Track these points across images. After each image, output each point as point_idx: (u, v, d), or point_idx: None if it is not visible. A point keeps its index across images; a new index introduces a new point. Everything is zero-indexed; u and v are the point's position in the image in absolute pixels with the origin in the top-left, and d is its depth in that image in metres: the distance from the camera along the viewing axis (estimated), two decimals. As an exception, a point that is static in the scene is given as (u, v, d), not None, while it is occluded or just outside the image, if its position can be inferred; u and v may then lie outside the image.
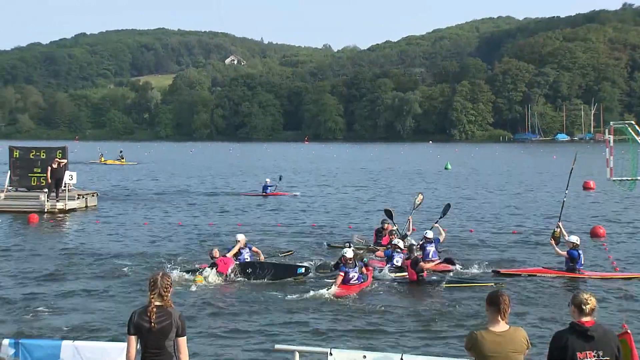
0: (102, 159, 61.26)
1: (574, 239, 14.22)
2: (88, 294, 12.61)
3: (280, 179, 33.65)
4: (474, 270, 14.64)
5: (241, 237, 14.73)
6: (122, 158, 60.91)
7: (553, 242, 14.97)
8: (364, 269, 13.25)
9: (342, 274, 12.84)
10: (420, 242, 15.51)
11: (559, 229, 15.21)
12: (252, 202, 29.26)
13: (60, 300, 12.18)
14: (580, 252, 14.01)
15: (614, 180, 18.43)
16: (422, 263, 13.62)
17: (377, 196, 31.86)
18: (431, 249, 15.28)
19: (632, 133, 17.76)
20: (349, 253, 13.07)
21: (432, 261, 14.70)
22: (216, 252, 14.16)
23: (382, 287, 13.24)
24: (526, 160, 65.26)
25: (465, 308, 11.71)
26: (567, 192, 16.95)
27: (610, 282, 13.54)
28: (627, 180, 18.21)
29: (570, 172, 17.21)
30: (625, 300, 12.18)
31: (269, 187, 31.97)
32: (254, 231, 20.16)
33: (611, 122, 19.26)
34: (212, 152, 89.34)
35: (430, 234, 15.51)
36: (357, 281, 12.94)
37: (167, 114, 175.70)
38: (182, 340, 5.61)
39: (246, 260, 14.37)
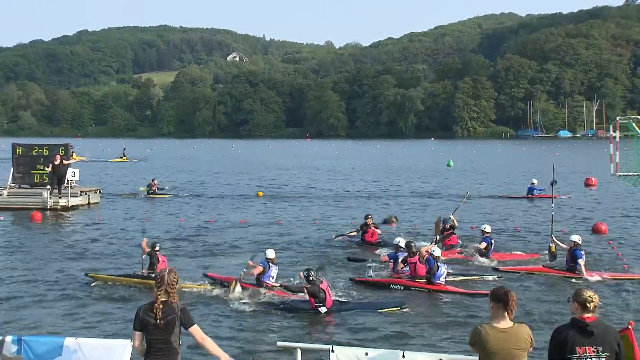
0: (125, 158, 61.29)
1: (575, 238, 14.01)
2: (91, 291, 12.62)
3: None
4: (475, 267, 14.78)
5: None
6: (73, 154, 60.63)
7: (550, 251, 14.69)
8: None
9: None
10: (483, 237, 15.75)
11: (553, 244, 14.63)
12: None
13: (63, 297, 12.19)
14: (582, 252, 13.80)
15: (619, 175, 18.28)
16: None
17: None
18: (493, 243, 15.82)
19: (637, 128, 17.66)
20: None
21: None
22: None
23: (383, 285, 13.21)
24: (528, 157, 65.08)
25: (469, 305, 11.69)
26: (553, 205, 16.46)
27: (612, 282, 13.43)
28: (632, 175, 18.06)
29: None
30: (627, 300, 12.13)
31: (536, 190, 29.07)
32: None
33: (617, 117, 19.11)
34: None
35: (488, 228, 15.78)
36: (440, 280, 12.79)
37: (169, 111, 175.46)
38: (194, 329, 5.64)
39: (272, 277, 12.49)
